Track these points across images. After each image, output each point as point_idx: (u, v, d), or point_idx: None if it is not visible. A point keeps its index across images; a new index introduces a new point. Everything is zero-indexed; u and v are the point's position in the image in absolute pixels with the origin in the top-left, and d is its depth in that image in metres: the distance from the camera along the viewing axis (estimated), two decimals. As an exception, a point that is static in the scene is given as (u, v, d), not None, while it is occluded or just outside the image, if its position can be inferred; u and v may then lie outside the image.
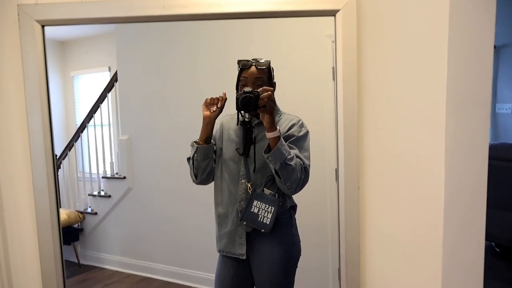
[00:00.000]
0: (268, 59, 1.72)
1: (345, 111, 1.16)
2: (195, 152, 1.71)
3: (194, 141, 1.73)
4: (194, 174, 1.77)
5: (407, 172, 1.19)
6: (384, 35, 1.18)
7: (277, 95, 1.74)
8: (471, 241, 1.16)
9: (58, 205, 1.31)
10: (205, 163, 1.74)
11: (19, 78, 1.34)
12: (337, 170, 2.95)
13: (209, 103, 1.70)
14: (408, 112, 1.18)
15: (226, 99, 1.67)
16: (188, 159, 1.77)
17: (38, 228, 1.28)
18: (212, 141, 1.71)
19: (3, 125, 1.40)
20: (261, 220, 1.66)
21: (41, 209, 1.29)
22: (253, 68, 1.70)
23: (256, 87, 1.66)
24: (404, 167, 1.19)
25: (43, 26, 1.23)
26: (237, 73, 1.73)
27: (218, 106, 1.70)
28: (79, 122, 4.93)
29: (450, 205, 1.11)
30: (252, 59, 1.71)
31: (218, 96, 1.68)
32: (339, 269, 2.94)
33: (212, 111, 1.68)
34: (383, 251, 1.22)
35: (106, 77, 5.23)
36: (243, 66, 1.71)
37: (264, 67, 1.71)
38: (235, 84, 1.73)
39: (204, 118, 1.70)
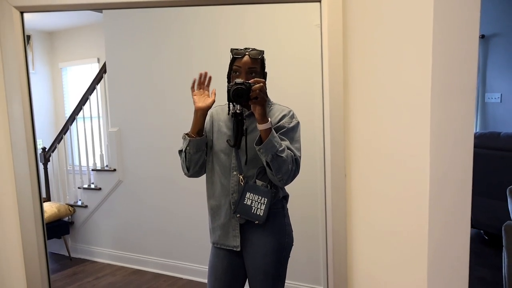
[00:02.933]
0: (261, 49, 1.70)
1: (331, 99, 1.15)
2: (188, 145, 1.68)
3: (186, 134, 1.70)
4: (186, 167, 1.74)
5: (393, 161, 1.18)
6: (370, 23, 1.17)
7: (268, 85, 1.73)
8: (456, 230, 1.16)
9: (41, 196, 1.29)
10: (197, 155, 1.71)
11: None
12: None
13: (197, 88, 1.66)
14: (394, 101, 1.17)
15: (210, 77, 1.65)
16: (180, 151, 1.75)
17: (21, 220, 1.26)
18: (203, 133, 1.69)
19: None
20: (255, 212, 1.64)
21: (23, 200, 1.27)
22: (246, 58, 1.66)
23: (249, 77, 1.63)
24: (391, 156, 1.18)
25: (22, 13, 1.19)
26: (229, 61, 1.69)
27: (211, 97, 1.66)
28: (68, 114, 4.88)
29: (435, 193, 1.11)
30: (245, 48, 1.68)
31: (203, 72, 1.64)
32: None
33: (204, 102, 1.63)
34: (370, 240, 1.22)
35: (95, 69, 5.17)
36: (236, 55, 1.67)
37: (258, 57, 1.67)
38: (227, 74, 1.71)
39: (197, 110, 1.65)
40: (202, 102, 1.63)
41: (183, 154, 1.71)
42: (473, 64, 1.10)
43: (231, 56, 1.67)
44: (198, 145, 1.67)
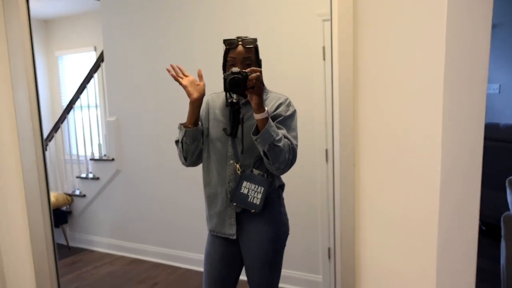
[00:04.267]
0: (254, 37, 1.67)
1: (341, 88, 1.13)
2: (184, 135, 1.67)
3: (182, 124, 1.68)
4: (184, 157, 1.73)
5: (403, 150, 1.17)
6: (382, 9, 1.15)
7: (266, 73, 1.71)
8: (466, 220, 1.16)
9: (48, 183, 1.28)
10: (194, 145, 1.70)
11: (5, 54, 1.29)
12: (327, 151, 2.98)
13: (191, 85, 1.65)
14: (405, 89, 1.15)
15: (200, 73, 1.64)
16: (176, 142, 1.74)
17: (28, 208, 1.25)
18: (199, 122, 1.67)
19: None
20: (251, 201, 1.64)
21: (30, 188, 1.26)
22: (240, 48, 1.63)
23: (245, 66, 1.60)
24: (401, 145, 1.17)
25: (27, -2, 1.17)
26: (223, 52, 1.67)
27: (201, 85, 1.66)
28: (65, 103, 4.83)
29: (446, 183, 1.10)
30: (238, 37, 1.65)
31: (173, 66, 1.65)
32: (329, 249, 2.99)
33: (198, 91, 1.62)
34: (378, 230, 1.21)
35: (91, 57, 5.12)
36: (229, 45, 1.64)
37: (252, 46, 1.65)
38: (222, 65, 1.68)
39: (193, 101, 1.64)
40: (196, 91, 1.62)
41: (180, 145, 1.70)
42: (485, 53, 1.09)
43: (224, 48, 1.65)
44: (194, 135, 1.67)
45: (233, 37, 1.64)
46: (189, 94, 1.63)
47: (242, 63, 1.61)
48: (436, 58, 1.10)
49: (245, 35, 1.64)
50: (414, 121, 1.15)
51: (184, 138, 1.67)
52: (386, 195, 1.19)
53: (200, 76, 1.67)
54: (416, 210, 1.17)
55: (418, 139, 1.15)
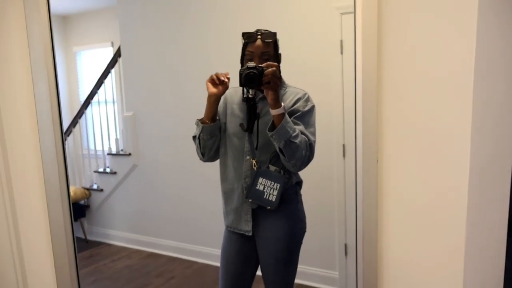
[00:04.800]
0: (274, 31, 1.64)
1: (364, 81, 1.10)
2: (201, 131, 1.65)
3: (199, 120, 1.66)
4: (201, 153, 1.72)
5: (430, 145, 1.12)
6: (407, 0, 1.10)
7: (283, 67, 1.69)
8: (494, 217, 1.12)
9: (67, 177, 1.28)
10: (211, 141, 1.68)
11: (25, 48, 1.29)
12: (344, 146, 2.94)
13: (214, 80, 1.61)
14: (432, 83, 1.09)
15: (229, 78, 1.60)
16: (194, 137, 1.72)
17: (48, 201, 1.26)
18: (217, 117, 1.66)
19: (10, 97, 1.36)
20: (267, 197, 1.61)
21: (50, 182, 1.27)
22: (258, 42, 1.60)
23: (262, 61, 1.57)
24: (427, 140, 1.12)
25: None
26: (242, 46, 1.64)
27: (225, 85, 1.61)
28: (82, 98, 4.89)
29: (475, 179, 1.05)
30: (257, 31, 1.62)
31: (223, 73, 1.59)
32: (346, 245, 2.96)
33: (218, 88, 1.59)
34: (402, 228, 1.17)
35: (109, 53, 5.16)
36: (248, 39, 1.60)
37: (270, 40, 1.61)
38: (240, 59, 1.66)
39: (210, 95, 1.60)
40: (216, 88, 1.59)
41: (197, 141, 1.69)
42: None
43: (243, 41, 1.62)
44: (211, 131, 1.65)
45: (250, 30, 1.62)
46: (208, 87, 1.61)
47: (260, 57, 1.59)
48: (466, 50, 1.05)
49: (265, 29, 1.61)
50: (441, 115, 1.11)
51: (201, 134, 1.65)
52: (410, 191, 1.15)
53: (226, 79, 1.61)
54: (442, 207, 1.13)
55: (446, 133, 1.10)
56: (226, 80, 1.58)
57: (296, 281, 1.80)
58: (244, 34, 1.61)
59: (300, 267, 1.77)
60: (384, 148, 1.14)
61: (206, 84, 1.60)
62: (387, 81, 1.13)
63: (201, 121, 1.66)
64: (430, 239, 1.15)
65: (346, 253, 2.86)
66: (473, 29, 1.02)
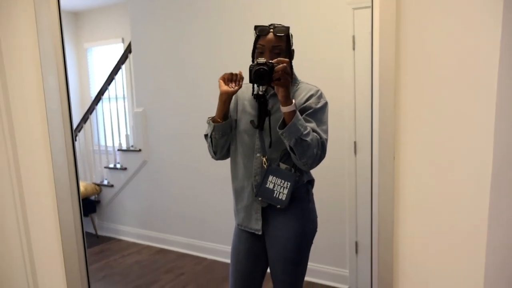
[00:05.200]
0: (287, 25, 1.61)
1: (381, 76, 1.06)
2: (213, 130, 1.63)
3: (211, 118, 1.64)
4: (213, 152, 1.70)
5: (449, 141, 1.07)
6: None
7: (295, 62, 1.66)
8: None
9: (77, 172, 1.28)
10: (223, 139, 1.66)
11: (35, 43, 1.28)
12: (355, 143, 2.90)
13: (227, 79, 1.59)
14: (452, 79, 1.04)
15: (243, 78, 1.57)
16: (206, 136, 1.70)
17: (58, 198, 1.25)
18: (229, 115, 1.63)
19: (20, 93, 1.36)
20: (277, 196, 1.58)
21: (60, 177, 1.26)
22: (270, 35, 1.56)
23: (273, 55, 1.54)
24: (447, 136, 1.07)
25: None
26: (254, 39, 1.61)
27: (238, 84, 1.58)
28: (93, 95, 4.91)
29: (498, 179, 1.00)
30: (270, 25, 1.59)
31: (237, 72, 1.57)
32: (356, 242, 2.93)
33: (231, 87, 1.57)
34: (419, 227, 1.13)
35: (119, 49, 5.17)
36: (260, 32, 1.57)
37: (283, 34, 1.57)
38: (251, 53, 1.63)
39: (222, 94, 1.56)
40: (228, 86, 1.57)
41: (209, 139, 1.66)
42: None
43: (255, 34, 1.59)
44: (223, 130, 1.63)
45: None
46: (219, 85, 1.58)
47: (271, 51, 1.55)
48: (490, 45, 1.00)
49: (278, 23, 1.58)
50: (462, 113, 1.06)
51: (213, 133, 1.63)
52: (428, 190, 1.12)
53: (240, 78, 1.58)
54: (463, 207, 1.09)
55: (468, 129, 1.06)
56: (239, 79, 1.56)
57: (306, 278, 1.77)
58: (256, 27, 1.58)
59: (310, 265, 1.75)
60: (401, 144, 1.10)
61: (218, 81, 1.58)
62: (405, 75, 1.10)
63: (213, 119, 1.63)
64: (449, 238, 1.11)
65: (356, 251, 2.83)
66: (498, 20, 0.98)
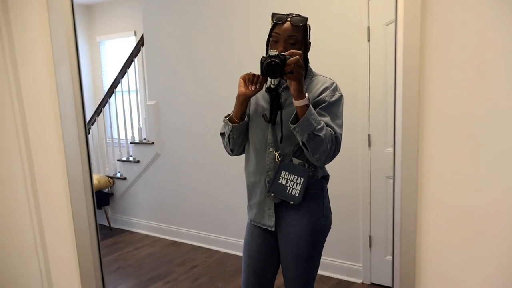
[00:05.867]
0: (305, 16, 1.56)
1: (405, 64, 1.01)
2: (231, 131, 1.60)
3: (228, 118, 1.59)
4: (231, 150, 1.68)
5: (478, 136, 1.02)
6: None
7: (309, 54, 1.62)
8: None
9: (90, 165, 1.26)
10: (241, 138, 1.63)
11: (48, 35, 1.27)
12: (370, 136, 2.85)
13: (248, 80, 1.51)
14: (483, 63, 0.98)
15: (264, 81, 1.53)
16: (222, 134, 1.67)
17: (71, 191, 1.24)
18: (245, 116, 1.60)
19: (33, 86, 1.35)
20: (290, 192, 1.54)
21: (73, 171, 1.25)
22: (287, 24, 1.51)
23: (288, 45, 1.50)
24: (475, 130, 1.03)
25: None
26: (270, 27, 1.57)
27: (257, 87, 1.51)
28: (106, 88, 4.93)
29: None
30: (288, 14, 1.55)
31: (259, 74, 1.52)
32: (370, 237, 2.89)
33: (250, 89, 1.53)
34: (443, 224, 1.08)
35: (132, 42, 5.17)
36: (277, 20, 1.52)
37: (300, 24, 1.52)
38: (266, 41, 1.60)
39: (240, 95, 1.53)
40: (247, 87, 1.53)
41: (226, 139, 1.63)
42: None
43: (272, 22, 1.55)
44: (241, 130, 1.60)
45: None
46: (239, 85, 1.54)
47: (286, 41, 1.51)
48: None
49: (296, 13, 1.54)
50: (493, 105, 1.01)
51: (231, 133, 1.60)
52: (454, 184, 1.07)
53: (260, 86, 1.53)
54: (491, 202, 1.04)
55: (497, 124, 1.00)
56: (260, 82, 1.52)
57: (319, 272, 1.74)
58: (273, 15, 1.53)
59: (323, 259, 1.72)
60: (425, 137, 1.06)
61: (239, 80, 1.54)
62: (431, 64, 1.04)
63: (230, 119, 1.60)
64: (475, 234, 1.07)
65: (370, 245, 2.80)
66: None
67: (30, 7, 1.31)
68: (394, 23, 1.08)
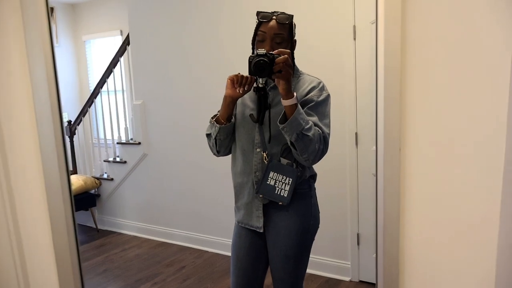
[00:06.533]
0: (290, 13, 1.55)
1: (386, 62, 1.01)
2: (218, 132, 1.58)
3: (214, 120, 1.57)
4: (217, 151, 1.66)
5: (459, 133, 1.03)
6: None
7: (295, 53, 1.61)
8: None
9: (68, 166, 1.23)
10: (228, 139, 1.61)
11: (21, 32, 1.23)
12: (357, 134, 2.86)
13: (235, 81, 1.48)
14: (463, 61, 0.98)
15: (252, 82, 1.51)
16: (208, 135, 1.65)
17: (48, 192, 1.21)
18: (232, 117, 1.58)
19: (6, 87, 1.31)
20: (278, 193, 1.53)
21: (49, 172, 1.22)
22: (273, 22, 1.49)
23: (274, 44, 1.48)
24: (456, 127, 1.03)
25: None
26: (255, 26, 1.55)
27: (245, 89, 1.49)
28: (92, 87, 4.87)
29: (511, 171, 0.98)
30: (273, 12, 1.53)
31: (247, 75, 1.50)
32: (358, 234, 2.90)
33: (238, 91, 1.51)
34: (426, 222, 1.09)
35: (118, 41, 5.11)
36: (263, 18, 1.50)
37: (286, 22, 1.51)
38: (252, 40, 1.57)
39: (227, 96, 1.51)
40: (234, 89, 1.50)
41: (212, 140, 1.61)
42: None
43: (257, 20, 1.53)
44: (228, 131, 1.58)
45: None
46: (226, 86, 1.51)
47: (272, 39, 1.49)
48: (506, 31, 0.94)
49: (281, 11, 1.52)
50: (473, 102, 1.01)
51: (218, 135, 1.58)
52: (436, 181, 1.07)
53: (248, 88, 1.51)
54: (473, 199, 1.04)
55: (478, 121, 1.00)
56: (249, 83, 1.49)
57: (308, 271, 1.74)
58: (258, 13, 1.51)
59: (312, 257, 1.72)
60: (407, 135, 1.06)
61: (227, 81, 1.51)
62: (411, 63, 1.04)
63: (216, 120, 1.58)
64: (457, 231, 1.07)
65: (358, 243, 2.81)
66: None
67: (3, 6, 1.27)
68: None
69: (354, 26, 2.61)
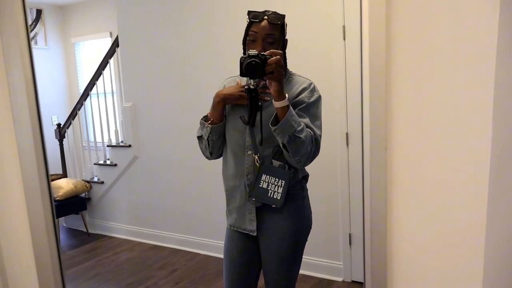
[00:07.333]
0: (282, 13, 1.53)
1: (371, 62, 1.01)
2: (210, 133, 1.56)
3: (205, 120, 1.56)
4: (210, 153, 1.63)
5: (444, 133, 1.03)
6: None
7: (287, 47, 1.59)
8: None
9: (48, 172, 1.20)
10: (220, 140, 1.60)
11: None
12: (347, 134, 2.86)
13: (238, 96, 1.52)
14: (447, 61, 0.99)
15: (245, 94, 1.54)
16: (199, 137, 1.63)
17: (27, 198, 1.18)
18: (223, 117, 1.57)
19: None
20: (271, 196, 1.51)
21: (28, 176, 1.19)
22: (264, 22, 1.46)
23: (266, 44, 1.46)
24: (441, 127, 1.03)
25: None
26: (246, 25, 1.53)
27: (238, 102, 1.53)
28: (82, 90, 4.82)
29: (496, 171, 0.96)
30: (264, 11, 1.51)
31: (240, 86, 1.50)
32: (350, 234, 2.90)
33: (234, 98, 1.53)
34: (413, 221, 1.09)
35: (107, 43, 5.07)
36: (254, 18, 1.47)
37: (277, 22, 1.49)
38: (242, 40, 1.55)
39: (219, 95, 1.53)
40: (233, 96, 1.51)
41: (205, 142, 1.59)
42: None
43: (248, 20, 1.51)
44: (220, 130, 1.57)
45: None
46: (225, 88, 1.55)
47: (263, 40, 1.47)
48: (488, 32, 0.94)
49: (273, 11, 1.50)
50: (458, 103, 1.01)
51: (211, 135, 1.56)
52: (422, 182, 1.07)
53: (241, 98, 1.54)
54: (458, 199, 1.04)
55: (463, 121, 1.01)
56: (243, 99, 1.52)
57: (301, 272, 1.73)
58: (250, 13, 1.48)
59: (305, 258, 1.71)
60: (393, 135, 1.05)
61: (235, 88, 1.53)
62: (396, 63, 1.04)
63: (206, 120, 1.56)
64: (443, 230, 1.07)
65: (350, 243, 2.80)
66: (496, 4, 0.92)
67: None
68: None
69: (344, 26, 2.61)
